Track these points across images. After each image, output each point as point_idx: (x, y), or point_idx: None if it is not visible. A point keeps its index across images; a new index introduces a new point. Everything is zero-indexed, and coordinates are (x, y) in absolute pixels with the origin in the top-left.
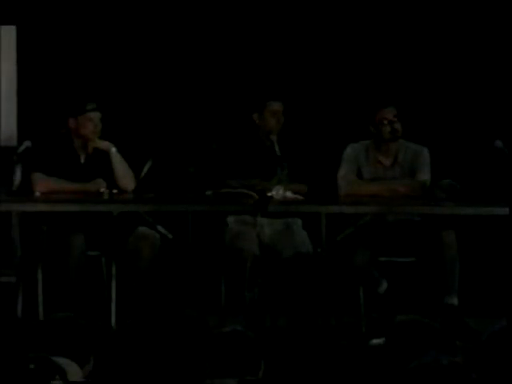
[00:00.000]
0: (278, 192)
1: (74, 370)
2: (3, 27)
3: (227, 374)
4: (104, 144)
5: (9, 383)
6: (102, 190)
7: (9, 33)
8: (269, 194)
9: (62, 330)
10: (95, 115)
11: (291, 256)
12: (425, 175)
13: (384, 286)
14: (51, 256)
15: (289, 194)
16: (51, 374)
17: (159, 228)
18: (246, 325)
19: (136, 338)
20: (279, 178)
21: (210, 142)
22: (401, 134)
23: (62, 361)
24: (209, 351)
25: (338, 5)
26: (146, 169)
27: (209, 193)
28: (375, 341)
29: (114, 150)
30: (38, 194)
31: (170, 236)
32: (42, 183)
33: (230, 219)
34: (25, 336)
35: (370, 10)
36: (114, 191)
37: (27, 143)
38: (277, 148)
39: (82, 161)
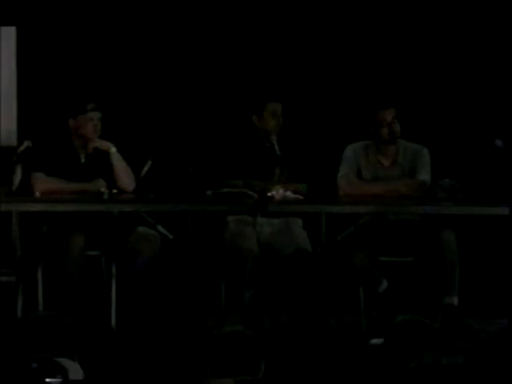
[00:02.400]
0: (277, 192)
1: (75, 370)
2: (3, 28)
3: (227, 374)
4: (104, 144)
5: (10, 383)
6: (102, 189)
7: (9, 33)
8: (269, 194)
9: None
10: (95, 115)
11: (291, 253)
12: (425, 175)
13: (384, 285)
14: (51, 256)
15: (289, 194)
16: (53, 374)
17: (159, 228)
18: (245, 324)
19: (136, 337)
20: (279, 178)
21: (210, 142)
22: (399, 135)
23: (64, 360)
24: (208, 351)
25: (337, 5)
26: (145, 169)
27: (209, 193)
28: (375, 340)
29: (113, 149)
30: (37, 194)
31: (170, 236)
32: (42, 183)
33: (230, 219)
34: (25, 335)
35: (370, 10)
36: (114, 191)
37: (27, 143)
38: (277, 148)
39: (82, 161)
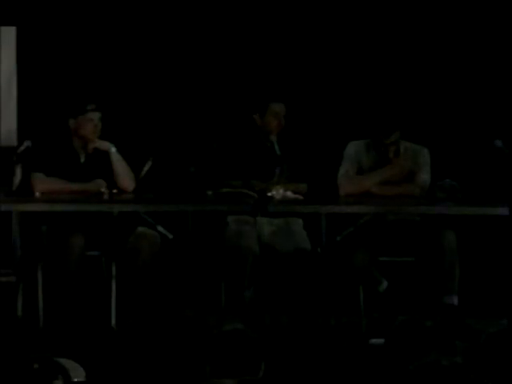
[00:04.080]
0: (277, 192)
1: (76, 370)
2: (3, 28)
3: (227, 374)
4: (104, 144)
5: (11, 383)
6: (102, 189)
7: (9, 33)
8: (269, 194)
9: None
10: (95, 115)
11: (290, 252)
12: (425, 175)
13: (384, 285)
14: (51, 256)
15: (289, 194)
16: (54, 374)
17: (159, 228)
18: (245, 324)
19: (136, 337)
20: (279, 178)
21: (211, 142)
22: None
23: (65, 361)
24: (209, 351)
25: (338, 6)
26: (145, 169)
27: (209, 193)
28: (374, 340)
29: (113, 150)
30: (37, 194)
31: (170, 236)
32: (42, 183)
33: (230, 218)
34: (26, 336)
35: (369, 9)
36: (114, 191)
37: (27, 143)
38: (277, 148)
39: (82, 161)
